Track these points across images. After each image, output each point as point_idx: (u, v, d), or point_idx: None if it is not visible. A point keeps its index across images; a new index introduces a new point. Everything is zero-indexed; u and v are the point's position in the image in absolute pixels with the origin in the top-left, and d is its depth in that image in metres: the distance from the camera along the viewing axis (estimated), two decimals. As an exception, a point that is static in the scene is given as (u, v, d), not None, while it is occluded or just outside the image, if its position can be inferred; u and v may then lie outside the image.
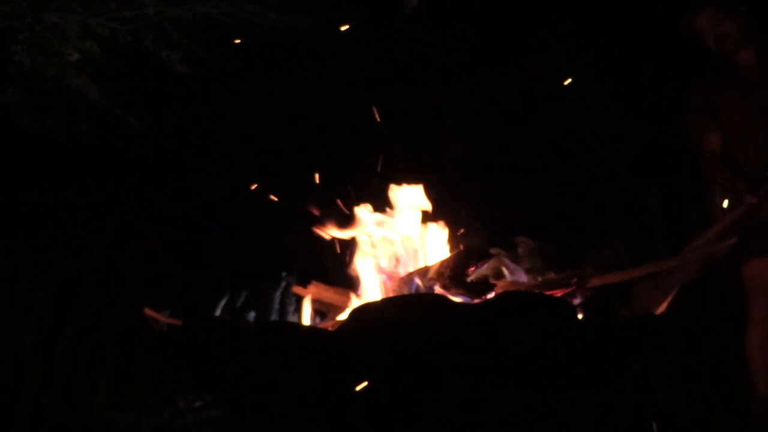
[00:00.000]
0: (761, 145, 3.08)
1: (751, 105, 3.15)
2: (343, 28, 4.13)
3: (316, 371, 2.19)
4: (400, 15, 4.33)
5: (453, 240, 2.75)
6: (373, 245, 2.72)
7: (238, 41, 4.23)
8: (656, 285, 2.52)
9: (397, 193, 2.83)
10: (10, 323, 4.24)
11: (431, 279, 2.55)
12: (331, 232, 2.73)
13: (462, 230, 2.69)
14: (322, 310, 2.78)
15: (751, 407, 3.07)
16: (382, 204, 2.83)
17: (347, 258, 2.78)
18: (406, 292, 2.55)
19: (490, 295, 2.48)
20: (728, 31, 3.18)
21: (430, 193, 2.84)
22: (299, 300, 2.90)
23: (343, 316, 2.54)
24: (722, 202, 3.06)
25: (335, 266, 2.83)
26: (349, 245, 2.76)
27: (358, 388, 2.12)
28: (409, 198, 2.82)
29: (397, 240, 2.75)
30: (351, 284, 2.74)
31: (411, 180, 2.90)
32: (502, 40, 4.71)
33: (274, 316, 2.93)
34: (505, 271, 2.59)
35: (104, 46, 4.12)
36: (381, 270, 2.69)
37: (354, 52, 4.59)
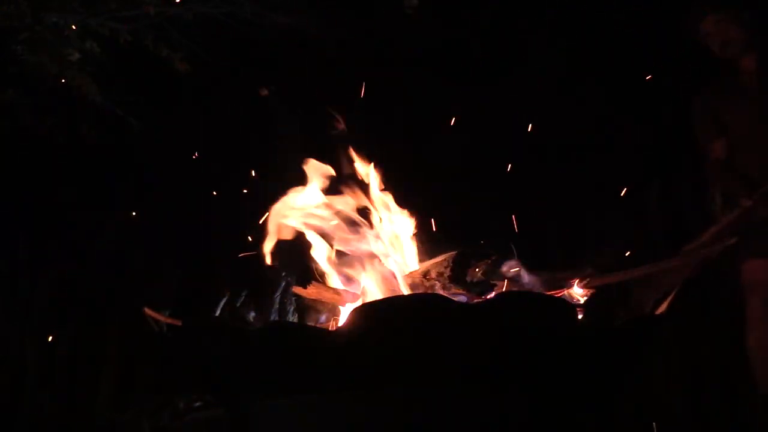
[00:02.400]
0: (762, 152, 3.10)
1: (754, 111, 3.17)
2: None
3: (316, 371, 2.19)
4: (399, 15, 4.33)
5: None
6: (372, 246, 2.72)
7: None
8: (652, 285, 2.53)
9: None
10: (10, 323, 4.24)
11: (432, 279, 2.56)
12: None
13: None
14: (322, 310, 2.78)
15: (755, 407, 3.09)
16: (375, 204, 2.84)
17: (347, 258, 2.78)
18: (406, 291, 2.56)
19: (490, 295, 2.49)
20: (733, 37, 3.18)
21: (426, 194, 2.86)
22: (299, 300, 2.91)
23: (343, 316, 2.54)
24: (723, 204, 3.08)
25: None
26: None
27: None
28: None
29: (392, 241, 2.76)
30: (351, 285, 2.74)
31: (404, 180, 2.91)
32: (500, 38, 4.71)
33: (274, 316, 2.93)
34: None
35: (104, 46, 4.12)
36: (381, 270, 2.70)
37: (352, 52, 4.59)
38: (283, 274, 3.82)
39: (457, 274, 2.54)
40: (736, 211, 2.91)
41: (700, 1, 3.25)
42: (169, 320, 2.49)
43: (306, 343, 2.19)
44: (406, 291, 2.57)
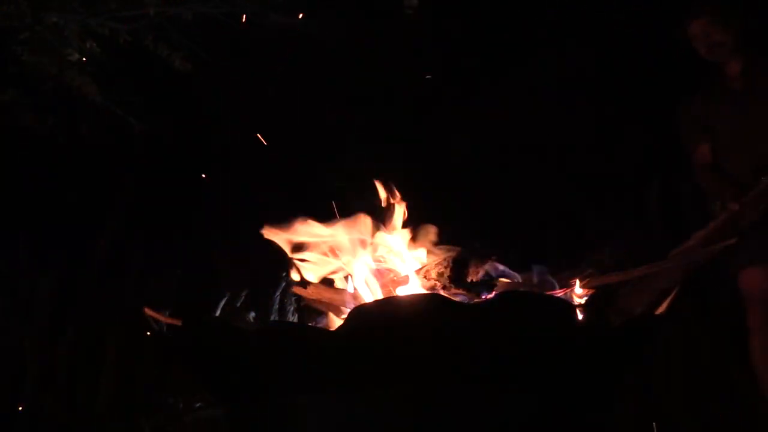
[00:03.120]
0: (749, 155, 3.11)
1: (739, 116, 3.19)
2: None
3: (316, 371, 2.19)
4: (399, 15, 4.33)
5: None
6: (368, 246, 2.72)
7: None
8: (641, 287, 2.54)
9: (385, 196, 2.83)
10: (10, 323, 4.24)
11: (432, 279, 2.55)
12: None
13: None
14: (322, 310, 2.78)
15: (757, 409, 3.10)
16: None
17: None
18: (405, 291, 2.55)
19: (490, 295, 2.48)
20: (721, 41, 3.20)
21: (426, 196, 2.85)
22: (299, 300, 2.90)
23: (343, 316, 2.54)
24: (722, 205, 3.08)
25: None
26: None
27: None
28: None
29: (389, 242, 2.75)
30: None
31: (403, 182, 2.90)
32: (500, 38, 4.71)
33: (274, 316, 2.93)
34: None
35: (104, 46, 4.12)
36: (380, 270, 2.69)
37: (352, 51, 4.59)
38: (284, 274, 3.83)
39: (457, 274, 2.54)
40: (723, 215, 2.92)
41: (689, 5, 3.27)
42: (169, 320, 2.49)
43: (306, 343, 2.19)
44: (405, 291, 2.56)
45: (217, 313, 2.75)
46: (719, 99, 3.25)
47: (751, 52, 3.23)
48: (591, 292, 2.56)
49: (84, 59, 4.03)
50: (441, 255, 2.63)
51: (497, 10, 4.71)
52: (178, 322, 2.44)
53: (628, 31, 4.44)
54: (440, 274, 2.55)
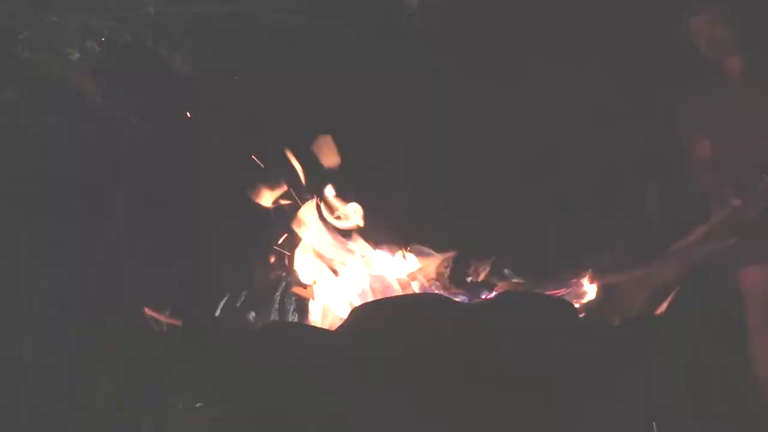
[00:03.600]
0: (747, 152, 3.11)
1: (738, 112, 3.19)
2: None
3: (317, 371, 2.19)
4: (399, 15, 4.33)
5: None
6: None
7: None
8: (641, 286, 2.54)
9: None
10: (11, 323, 4.24)
11: (431, 279, 2.56)
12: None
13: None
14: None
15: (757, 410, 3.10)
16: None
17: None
18: (405, 291, 2.56)
19: (490, 295, 2.49)
20: (722, 36, 3.20)
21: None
22: (299, 300, 2.91)
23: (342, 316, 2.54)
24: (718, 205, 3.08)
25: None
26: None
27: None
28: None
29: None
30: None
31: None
32: (499, 38, 4.71)
33: (274, 316, 2.93)
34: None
35: (104, 46, 4.11)
36: (380, 270, 2.70)
37: (352, 52, 4.59)
38: (284, 274, 3.83)
39: (456, 274, 2.55)
40: (725, 210, 2.92)
41: (689, 3, 3.28)
42: (169, 320, 2.49)
43: (306, 343, 2.19)
44: (405, 291, 2.57)
45: (217, 313, 2.76)
46: (717, 96, 3.26)
47: (751, 51, 3.24)
48: (590, 292, 2.56)
49: (84, 59, 4.03)
50: (441, 255, 2.64)
51: (497, 11, 4.70)
52: (178, 322, 2.44)
53: (630, 28, 4.43)
54: (440, 274, 2.55)
